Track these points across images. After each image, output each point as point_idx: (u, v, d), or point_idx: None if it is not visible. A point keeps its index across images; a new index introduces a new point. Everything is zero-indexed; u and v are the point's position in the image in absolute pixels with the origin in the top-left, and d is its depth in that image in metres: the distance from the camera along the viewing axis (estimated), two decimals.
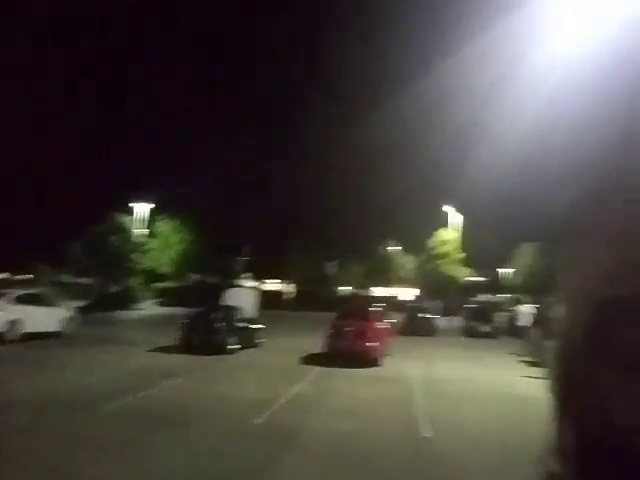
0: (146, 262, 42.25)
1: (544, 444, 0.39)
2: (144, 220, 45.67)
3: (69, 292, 29.80)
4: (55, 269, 38.76)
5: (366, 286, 58.92)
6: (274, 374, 12.99)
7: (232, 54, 78.89)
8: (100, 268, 38.30)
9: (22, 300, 17.03)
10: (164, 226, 47.61)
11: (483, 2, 23.35)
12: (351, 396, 10.65)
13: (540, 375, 14.62)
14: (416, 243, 55.15)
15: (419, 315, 28.16)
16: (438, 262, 49.22)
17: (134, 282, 40.44)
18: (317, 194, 60.94)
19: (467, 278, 52.14)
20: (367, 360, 14.67)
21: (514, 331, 23.40)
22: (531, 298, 26.30)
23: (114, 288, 39.19)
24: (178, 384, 11.09)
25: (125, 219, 42.33)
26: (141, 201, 45.53)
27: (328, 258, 61.57)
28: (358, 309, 17.92)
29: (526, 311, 22.03)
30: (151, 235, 45.73)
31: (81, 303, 28.88)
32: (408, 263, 59.87)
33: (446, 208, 49.61)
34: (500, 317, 29.08)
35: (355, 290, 59.82)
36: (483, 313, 28.84)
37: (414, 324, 26.87)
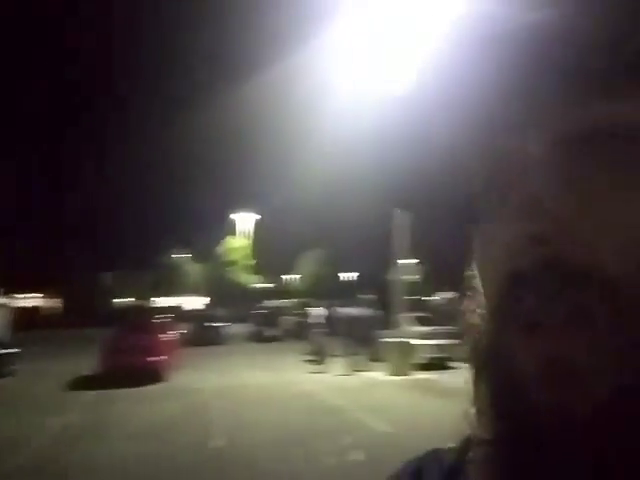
0: None
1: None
2: None
3: None
4: None
5: (148, 297, 55.11)
6: (34, 405, 10.84)
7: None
8: None
9: None
10: None
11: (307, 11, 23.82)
12: (134, 418, 9.50)
13: (322, 371, 15.23)
14: (205, 251, 54.12)
15: (207, 324, 27.69)
16: (227, 269, 48.88)
17: None
18: (88, 203, 55.88)
19: (256, 285, 52.86)
20: (151, 376, 13.30)
21: (301, 333, 24.05)
22: (319, 301, 27.41)
23: None
24: None
25: None
26: None
27: (104, 269, 56.52)
28: (138, 322, 16.50)
29: (316, 313, 22.78)
30: None
31: None
32: (196, 271, 58.15)
33: (237, 216, 49.68)
34: (287, 321, 29.78)
35: (136, 302, 55.60)
36: (271, 318, 29.48)
37: (202, 333, 26.21)
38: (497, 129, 0.33)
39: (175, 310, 32.66)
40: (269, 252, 53.43)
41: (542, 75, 0.31)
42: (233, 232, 50.46)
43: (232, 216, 49.81)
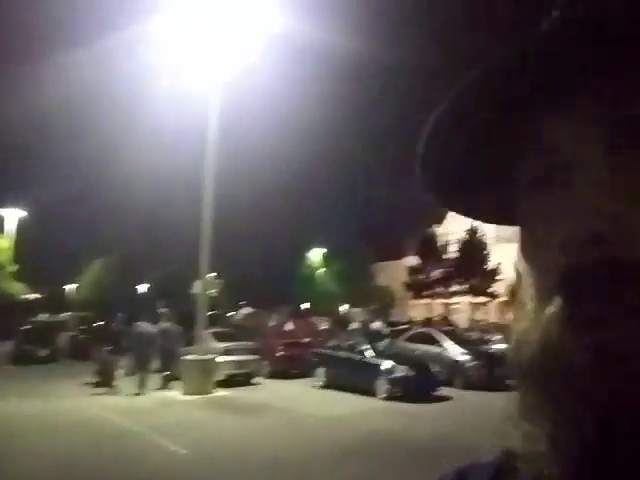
0: None
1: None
2: None
3: None
4: None
5: None
6: None
7: None
8: None
9: None
10: None
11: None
12: None
13: (112, 393, 13.63)
14: None
15: None
16: None
17: None
18: None
19: (26, 296, 46.26)
20: None
21: (83, 352, 21.58)
22: (106, 315, 24.97)
23: None
24: None
25: None
26: None
27: None
28: None
29: (102, 328, 20.73)
30: None
31: None
32: None
33: (5, 211, 42.06)
34: (63, 338, 26.44)
35: None
36: (42, 335, 25.20)
37: None
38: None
39: None
40: (41, 256, 47.36)
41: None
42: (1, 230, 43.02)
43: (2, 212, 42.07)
